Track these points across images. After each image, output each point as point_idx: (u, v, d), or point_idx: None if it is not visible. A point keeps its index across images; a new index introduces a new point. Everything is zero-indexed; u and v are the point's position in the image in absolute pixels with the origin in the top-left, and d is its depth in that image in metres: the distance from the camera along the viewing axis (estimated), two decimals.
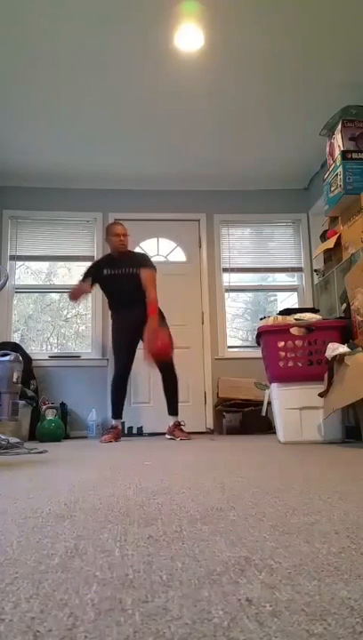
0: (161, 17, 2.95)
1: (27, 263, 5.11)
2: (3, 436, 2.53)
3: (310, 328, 2.80)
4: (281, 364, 2.79)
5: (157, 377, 3.77)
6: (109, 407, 3.84)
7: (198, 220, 5.12)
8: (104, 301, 4.85)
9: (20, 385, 2.61)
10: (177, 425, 3.63)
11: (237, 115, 3.96)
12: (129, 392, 3.85)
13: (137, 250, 4.63)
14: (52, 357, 4.81)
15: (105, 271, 3.75)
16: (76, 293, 3.79)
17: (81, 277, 3.86)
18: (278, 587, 0.46)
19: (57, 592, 0.46)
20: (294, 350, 2.78)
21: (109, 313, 4.00)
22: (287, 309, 3.10)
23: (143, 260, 3.76)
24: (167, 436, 3.70)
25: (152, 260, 3.87)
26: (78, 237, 5.08)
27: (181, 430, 3.60)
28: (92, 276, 3.79)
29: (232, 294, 5.25)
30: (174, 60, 3.31)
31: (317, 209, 4.75)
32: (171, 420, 3.67)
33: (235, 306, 5.45)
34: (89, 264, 4.96)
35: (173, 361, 3.69)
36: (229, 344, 5.00)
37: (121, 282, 3.69)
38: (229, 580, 0.48)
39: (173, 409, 3.68)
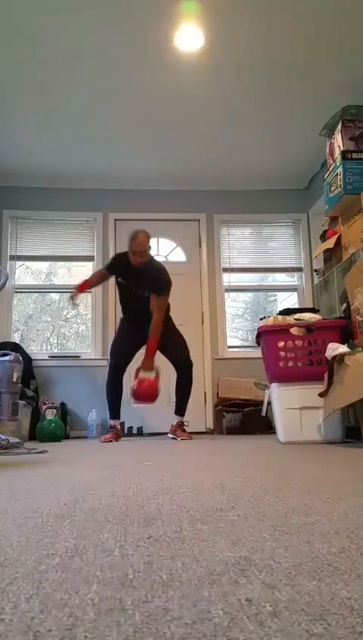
0: (161, 17, 2.95)
1: (27, 263, 5.11)
2: (3, 436, 2.53)
3: (310, 328, 2.80)
4: (281, 363, 2.79)
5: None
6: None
7: (198, 220, 5.12)
8: (104, 301, 4.86)
9: (20, 385, 2.61)
10: (180, 424, 3.63)
11: (237, 115, 3.96)
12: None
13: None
14: (52, 357, 4.81)
15: (120, 279, 3.64)
16: (82, 287, 3.72)
17: (104, 267, 3.81)
18: (278, 587, 0.46)
19: (57, 592, 0.46)
20: (294, 350, 2.78)
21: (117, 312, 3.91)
22: (287, 309, 3.10)
23: (157, 285, 3.50)
24: (169, 435, 3.70)
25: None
26: (78, 237, 5.08)
27: (183, 430, 3.60)
28: (113, 269, 3.71)
29: (232, 294, 5.25)
30: (174, 59, 3.31)
31: (317, 209, 4.75)
32: (175, 420, 3.67)
33: (235, 306, 5.44)
34: (89, 264, 5.00)
35: (191, 361, 3.66)
36: (229, 344, 5.01)
37: (132, 297, 3.60)
38: (229, 580, 0.48)
39: (180, 408, 3.67)
